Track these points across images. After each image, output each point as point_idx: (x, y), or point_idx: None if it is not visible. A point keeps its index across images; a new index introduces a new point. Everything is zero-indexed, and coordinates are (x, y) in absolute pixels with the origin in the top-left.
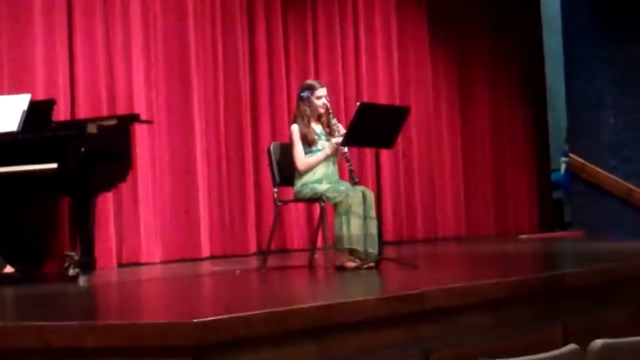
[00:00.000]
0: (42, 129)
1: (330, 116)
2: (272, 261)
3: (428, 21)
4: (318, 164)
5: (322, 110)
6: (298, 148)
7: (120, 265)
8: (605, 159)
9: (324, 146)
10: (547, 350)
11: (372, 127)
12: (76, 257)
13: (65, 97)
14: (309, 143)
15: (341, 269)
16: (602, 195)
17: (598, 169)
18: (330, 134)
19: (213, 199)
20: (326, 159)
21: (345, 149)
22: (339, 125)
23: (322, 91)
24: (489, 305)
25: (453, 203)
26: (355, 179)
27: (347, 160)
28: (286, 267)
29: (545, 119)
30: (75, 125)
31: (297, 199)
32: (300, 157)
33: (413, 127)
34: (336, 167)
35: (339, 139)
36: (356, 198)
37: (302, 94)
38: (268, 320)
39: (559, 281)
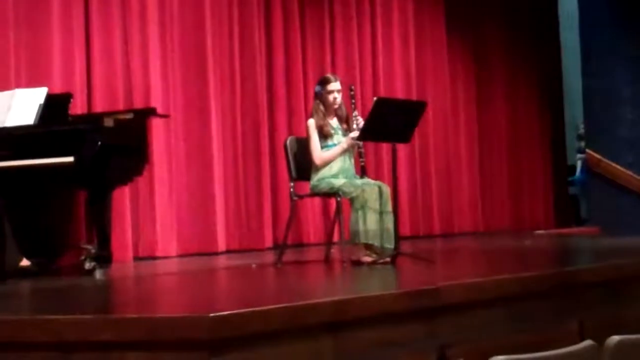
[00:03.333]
0: (59, 122)
1: (353, 107)
2: (288, 256)
3: (445, 16)
4: (335, 158)
5: (336, 106)
6: (314, 141)
7: (137, 258)
8: (622, 155)
9: (340, 140)
10: (563, 346)
11: (389, 122)
12: (93, 251)
13: (82, 90)
14: (325, 136)
15: (357, 263)
16: (619, 191)
17: (615, 165)
18: (347, 129)
19: (229, 194)
20: (343, 153)
21: (361, 144)
22: (359, 118)
23: (334, 85)
24: (505, 300)
25: (469, 198)
26: (364, 176)
27: (361, 156)
28: (302, 261)
29: (561, 114)
30: (92, 119)
31: (314, 194)
32: (317, 151)
33: (430, 122)
34: (353, 161)
35: (356, 134)
36: (372, 193)
37: (315, 89)
38: (284, 315)
39: (575, 277)
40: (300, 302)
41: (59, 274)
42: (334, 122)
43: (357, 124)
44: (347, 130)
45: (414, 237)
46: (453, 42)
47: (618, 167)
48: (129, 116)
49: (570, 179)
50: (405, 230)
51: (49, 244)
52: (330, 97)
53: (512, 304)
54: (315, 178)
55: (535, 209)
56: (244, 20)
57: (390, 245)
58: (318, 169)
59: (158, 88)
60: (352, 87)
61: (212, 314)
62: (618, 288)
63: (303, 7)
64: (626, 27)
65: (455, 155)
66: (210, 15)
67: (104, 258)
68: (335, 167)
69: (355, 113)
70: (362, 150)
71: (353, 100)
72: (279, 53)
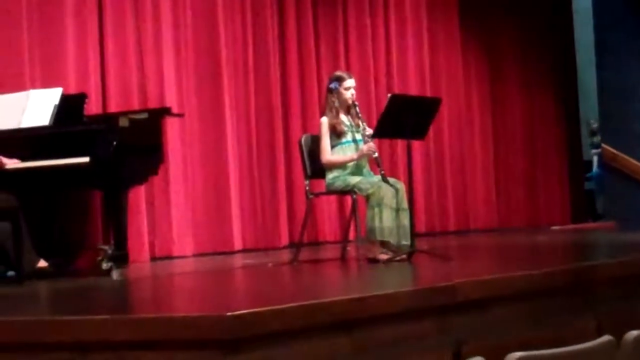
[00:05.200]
0: (74, 123)
1: (357, 110)
2: (304, 254)
3: (459, 13)
4: (341, 164)
5: (350, 102)
6: (325, 142)
7: (153, 258)
8: (638, 149)
9: (354, 138)
10: (581, 342)
11: (404, 119)
12: (109, 251)
13: (96, 91)
14: (337, 134)
15: (373, 261)
16: (635, 186)
17: (630, 159)
18: (358, 126)
19: (245, 192)
20: (350, 162)
21: (376, 154)
22: (365, 125)
23: (350, 82)
24: (521, 297)
25: (485, 195)
26: (387, 182)
27: (379, 165)
28: (318, 259)
29: (576, 110)
30: (107, 119)
31: (329, 192)
32: (326, 152)
33: (444, 118)
34: (367, 158)
35: (370, 145)
36: (388, 190)
37: (331, 86)
38: (301, 313)
39: (591, 272)
40: (317, 301)
41: (76, 275)
42: (346, 119)
43: (367, 134)
44: (359, 127)
45: (429, 234)
46: (467, 38)
47: (634, 161)
48: (144, 116)
49: (588, 175)
50: (421, 227)
51: (65, 245)
52: (348, 94)
53: (528, 301)
54: (330, 176)
55: (551, 205)
56: (257, 19)
57: (406, 242)
58: (332, 167)
59: (172, 87)
60: (356, 103)
61: (228, 313)
62: (636, 283)
63: (316, 6)
64: None
65: (470, 152)
66: (223, 14)
67: (120, 258)
68: (350, 164)
69: (364, 125)
70: (379, 159)
71: (359, 115)
72: (292, 51)
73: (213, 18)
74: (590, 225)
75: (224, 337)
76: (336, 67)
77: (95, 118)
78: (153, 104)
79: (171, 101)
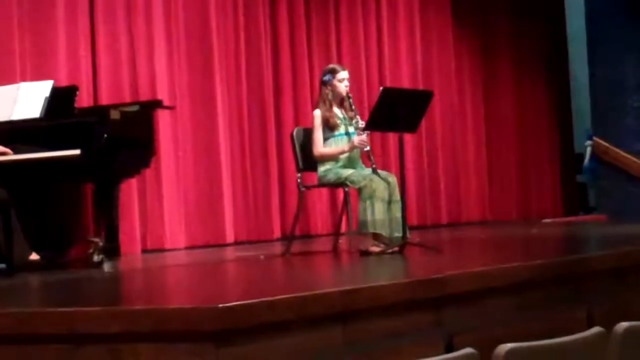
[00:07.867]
0: (65, 115)
1: (350, 102)
2: (296, 246)
3: (451, 5)
4: (333, 157)
5: (344, 94)
6: (317, 135)
7: (145, 251)
8: (629, 143)
9: (348, 131)
10: (571, 334)
11: (396, 112)
12: (101, 243)
13: (87, 83)
14: (331, 127)
15: (365, 253)
16: (627, 179)
17: (622, 153)
18: (352, 118)
19: (237, 185)
20: (342, 154)
21: (368, 147)
22: (358, 118)
23: (344, 74)
24: (512, 289)
25: (477, 187)
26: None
27: (370, 158)
28: (310, 252)
29: (568, 103)
30: (98, 112)
31: (321, 184)
32: (319, 145)
33: (436, 111)
34: (359, 152)
35: (362, 138)
36: (380, 183)
37: (324, 78)
38: (292, 305)
39: (583, 265)
40: (309, 293)
41: (68, 267)
42: (340, 112)
43: (359, 126)
44: (352, 120)
45: (421, 227)
46: (459, 32)
47: (626, 154)
48: (135, 108)
49: (583, 165)
50: (413, 220)
51: (57, 238)
52: (342, 86)
53: (520, 293)
54: (322, 169)
55: (542, 198)
56: (249, 10)
57: (398, 234)
58: (324, 159)
59: (164, 80)
60: (350, 95)
61: (220, 305)
62: (626, 275)
63: None
64: (632, 15)
65: (462, 145)
66: (215, 7)
67: (112, 250)
68: (342, 157)
69: (357, 117)
70: (371, 151)
71: (353, 107)
72: (284, 45)
73: (205, 11)
74: (582, 218)
75: (216, 329)
76: (328, 61)
77: (87, 110)
78: (144, 96)
79: (163, 93)
